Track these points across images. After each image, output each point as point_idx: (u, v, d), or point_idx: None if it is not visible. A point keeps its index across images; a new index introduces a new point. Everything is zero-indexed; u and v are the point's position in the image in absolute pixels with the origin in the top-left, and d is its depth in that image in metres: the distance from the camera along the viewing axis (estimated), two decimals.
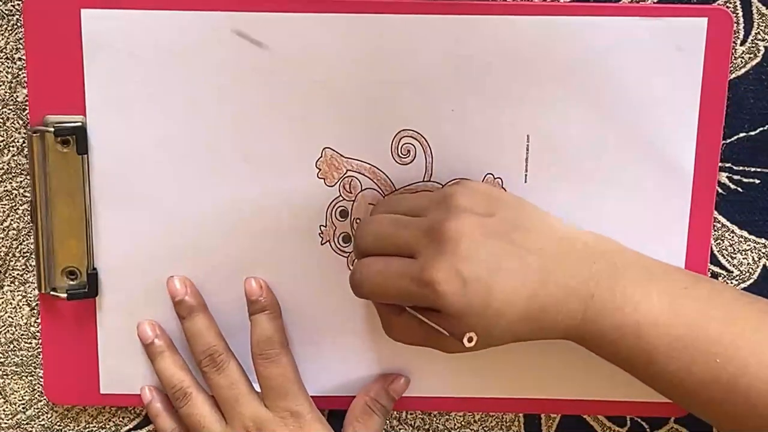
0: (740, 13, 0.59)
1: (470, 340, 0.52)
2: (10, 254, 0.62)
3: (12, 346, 0.64)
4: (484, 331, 0.52)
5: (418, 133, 0.60)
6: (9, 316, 0.63)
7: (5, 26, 0.59)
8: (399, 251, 0.54)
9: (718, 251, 0.62)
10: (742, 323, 0.54)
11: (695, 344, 0.53)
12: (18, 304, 0.63)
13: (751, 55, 0.60)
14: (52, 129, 0.59)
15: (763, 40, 0.59)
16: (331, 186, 0.60)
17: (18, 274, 0.63)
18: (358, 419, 0.62)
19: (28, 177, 0.61)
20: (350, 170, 0.60)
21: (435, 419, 0.65)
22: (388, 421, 0.65)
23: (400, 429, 0.65)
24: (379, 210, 0.58)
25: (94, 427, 0.65)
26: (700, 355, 0.53)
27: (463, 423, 0.65)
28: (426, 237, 0.53)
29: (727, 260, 0.62)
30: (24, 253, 0.62)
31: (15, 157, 0.61)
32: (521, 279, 0.52)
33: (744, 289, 0.62)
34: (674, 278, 0.55)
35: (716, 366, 0.53)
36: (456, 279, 0.51)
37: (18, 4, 0.59)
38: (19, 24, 0.59)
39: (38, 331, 0.63)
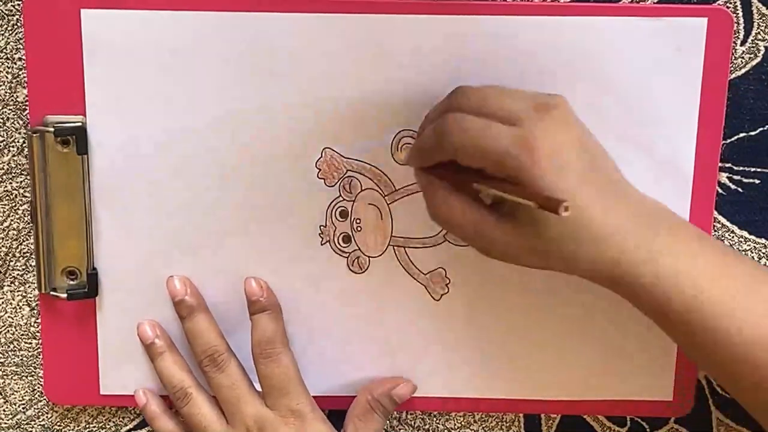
0: (740, 13, 0.59)
1: (566, 209, 0.46)
2: (10, 254, 0.62)
3: (12, 346, 0.64)
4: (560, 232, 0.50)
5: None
6: (9, 316, 0.63)
7: (5, 26, 0.59)
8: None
9: None
10: None
11: (746, 301, 0.52)
12: (18, 304, 0.63)
13: (751, 55, 0.60)
14: (52, 129, 0.59)
15: (763, 40, 0.59)
16: (331, 186, 0.61)
17: (18, 274, 0.63)
18: (359, 417, 0.62)
19: (28, 177, 0.61)
20: (350, 170, 0.60)
21: (435, 419, 0.65)
22: (387, 421, 0.65)
23: (400, 429, 0.65)
24: (456, 105, 0.53)
25: (94, 427, 0.65)
26: (750, 315, 0.52)
27: (463, 423, 0.65)
28: (534, 110, 0.50)
29: None
30: (24, 253, 0.62)
31: (15, 157, 0.61)
32: (603, 192, 0.51)
33: None
34: (718, 245, 0.55)
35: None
36: (558, 157, 0.49)
37: (18, 4, 0.59)
38: (19, 24, 0.59)
39: (38, 331, 0.63)
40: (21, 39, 0.59)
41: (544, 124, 0.50)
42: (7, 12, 0.59)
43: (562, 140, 0.50)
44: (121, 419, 0.65)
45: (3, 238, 0.62)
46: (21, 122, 0.61)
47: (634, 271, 0.52)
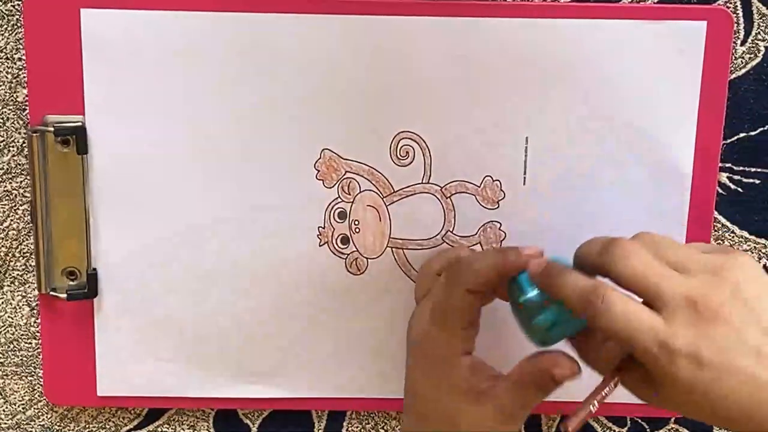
0: (740, 14, 0.59)
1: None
2: (10, 254, 0.62)
3: (12, 346, 0.64)
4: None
5: (417, 135, 0.60)
6: (9, 316, 0.63)
7: (5, 26, 0.59)
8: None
9: None
10: None
11: None
12: (18, 304, 0.63)
13: (751, 56, 0.60)
14: (52, 129, 0.59)
15: (763, 40, 0.59)
16: (330, 187, 0.61)
17: (18, 274, 0.63)
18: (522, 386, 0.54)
19: (28, 177, 0.61)
20: (349, 171, 0.60)
21: None
22: (387, 422, 0.65)
23: (400, 429, 0.65)
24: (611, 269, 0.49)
25: (94, 427, 0.65)
26: None
27: None
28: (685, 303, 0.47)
29: None
30: (24, 253, 0.62)
31: (15, 157, 0.61)
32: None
33: None
34: None
35: None
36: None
37: (18, 4, 0.59)
38: (19, 24, 0.59)
39: (38, 331, 0.63)
40: (21, 39, 0.59)
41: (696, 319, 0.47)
42: (7, 12, 0.59)
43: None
44: (120, 419, 0.65)
45: (3, 238, 0.62)
46: (21, 122, 0.61)
47: None
